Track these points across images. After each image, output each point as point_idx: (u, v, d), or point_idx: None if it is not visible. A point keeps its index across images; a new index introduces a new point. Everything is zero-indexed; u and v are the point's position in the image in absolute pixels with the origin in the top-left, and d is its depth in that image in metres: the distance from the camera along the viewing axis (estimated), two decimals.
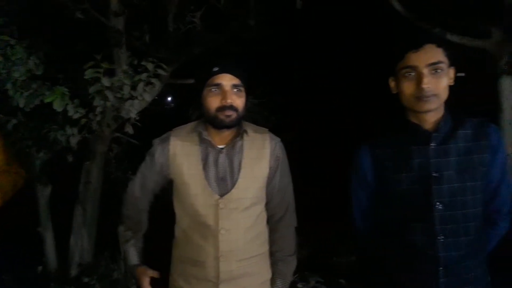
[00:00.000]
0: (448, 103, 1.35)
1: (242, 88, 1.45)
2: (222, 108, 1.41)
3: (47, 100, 2.71)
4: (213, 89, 1.42)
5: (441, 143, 1.31)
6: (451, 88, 1.32)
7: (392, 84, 1.36)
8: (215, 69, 1.42)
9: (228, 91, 1.41)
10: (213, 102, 1.42)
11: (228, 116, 1.41)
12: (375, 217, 1.48)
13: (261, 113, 4.41)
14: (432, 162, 1.29)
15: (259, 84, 4.18)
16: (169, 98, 9.40)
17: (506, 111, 3.86)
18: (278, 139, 1.56)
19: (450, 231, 1.28)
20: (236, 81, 1.43)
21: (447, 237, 1.28)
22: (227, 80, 1.41)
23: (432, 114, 1.30)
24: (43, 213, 3.39)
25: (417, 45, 1.25)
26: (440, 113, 1.33)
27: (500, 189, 1.37)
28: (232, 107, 1.41)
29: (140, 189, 1.58)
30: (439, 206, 1.28)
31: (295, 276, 3.00)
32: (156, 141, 1.55)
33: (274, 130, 1.60)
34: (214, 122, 1.44)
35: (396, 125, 1.40)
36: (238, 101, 1.44)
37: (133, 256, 1.58)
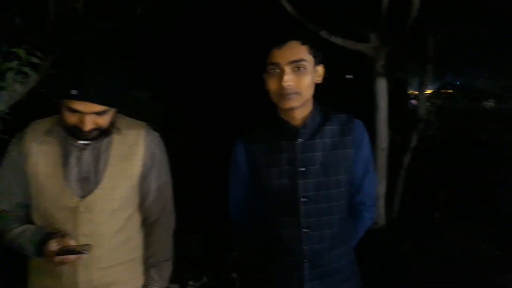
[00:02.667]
0: (319, 100, 1.39)
1: (107, 111, 1.27)
2: (80, 130, 1.25)
3: None
4: (71, 112, 1.23)
5: (308, 139, 1.33)
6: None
7: (265, 80, 1.36)
8: (73, 92, 1.17)
9: (87, 119, 1.23)
10: (71, 121, 1.25)
11: (89, 134, 1.27)
12: (251, 211, 1.49)
13: (153, 107, 4.23)
14: (299, 157, 1.31)
15: (150, 78, 4.01)
16: None
17: (381, 110, 4.22)
18: (156, 135, 1.45)
19: (315, 224, 1.31)
20: (99, 108, 1.23)
21: (312, 230, 1.31)
22: (88, 108, 1.21)
23: (298, 111, 1.32)
24: None
25: (280, 42, 1.25)
26: (308, 109, 1.35)
27: (364, 182, 1.42)
28: (94, 130, 1.26)
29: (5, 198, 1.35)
30: (304, 200, 1.31)
31: (187, 274, 2.95)
32: (16, 136, 1.36)
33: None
34: (74, 136, 1.29)
35: (268, 120, 1.41)
36: (102, 121, 1.27)
37: (33, 235, 1.28)
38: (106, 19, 3.53)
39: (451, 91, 6.38)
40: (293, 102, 1.27)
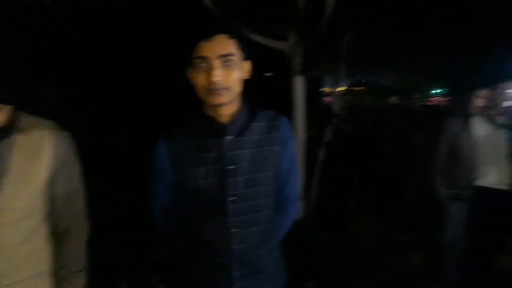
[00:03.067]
0: (246, 96, 1.37)
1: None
2: None
3: None
4: None
5: (237, 136, 1.30)
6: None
7: (189, 75, 1.29)
8: None
9: None
10: None
11: None
12: (176, 214, 1.43)
13: (63, 105, 3.91)
14: (227, 155, 1.28)
15: (62, 74, 3.69)
16: None
17: (299, 106, 4.38)
18: (66, 134, 1.28)
19: (243, 223, 1.29)
20: None
21: (240, 229, 1.29)
22: None
23: (226, 107, 1.29)
24: None
25: (208, 35, 1.21)
26: (235, 106, 1.32)
27: (289, 178, 1.43)
28: None
29: None
30: (232, 198, 1.28)
31: (104, 282, 2.79)
32: None
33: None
34: None
35: (194, 118, 1.36)
36: None
37: None
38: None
39: (362, 88, 6.86)
40: (223, 98, 1.23)
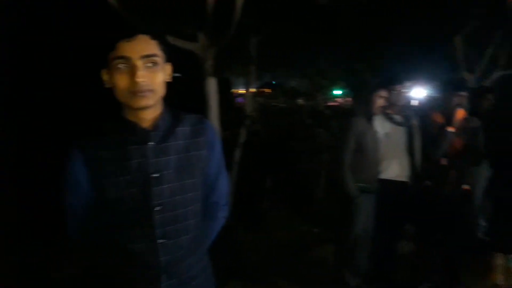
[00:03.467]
0: (167, 100, 1.32)
1: None
2: None
3: None
4: None
5: (160, 142, 1.23)
6: (171, 85, 1.28)
7: (105, 77, 1.21)
8: None
9: None
10: None
11: None
12: (95, 228, 1.31)
13: None
14: (151, 162, 1.21)
15: None
16: None
17: (212, 108, 4.35)
18: None
19: (171, 233, 1.23)
20: None
21: (168, 239, 1.23)
22: None
23: (149, 111, 1.22)
24: None
25: (130, 34, 1.14)
26: (158, 110, 1.25)
27: (217, 183, 1.39)
28: None
29: None
30: (158, 208, 1.21)
31: None
32: None
33: None
34: None
35: (111, 123, 1.26)
36: None
37: None
38: None
39: (269, 90, 7.07)
40: (148, 100, 1.17)
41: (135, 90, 1.14)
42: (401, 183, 3.00)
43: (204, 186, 1.34)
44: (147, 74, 1.15)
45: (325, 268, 3.32)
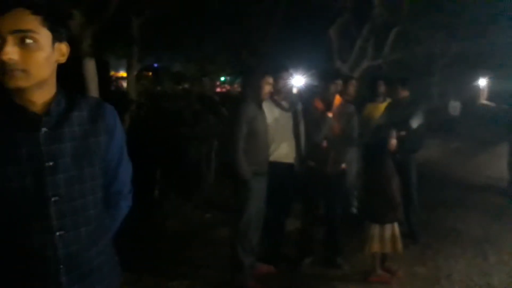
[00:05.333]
0: (61, 82, 1.18)
1: None
2: None
3: None
4: None
5: (54, 128, 1.13)
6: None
7: None
8: None
9: None
10: None
11: None
12: None
13: None
14: (44, 150, 1.11)
15: None
16: None
17: (92, 92, 4.03)
18: None
19: (70, 224, 1.16)
20: None
21: (67, 231, 1.15)
22: None
23: (38, 93, 1.10)
24: None
25: (3, 8, 1.02)
26: (50, 93, 1.14)
27: (119, 170, 1.33)
28: None
29: None
30: (55, 199, 1.13)
31: None
32: None
33: None
34: None
35: None
36: None
37: None
38: None
39: (157, 73, 6.78)
40: (19, 81, 1.05)
41: (4, 69, 1.03)
42: (289, 164, 3.20)
43: (105, 175, 1.27)
44: (19, 52, 1.03)
45: (220, 251, 3.38)
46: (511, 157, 5.93)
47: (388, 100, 4.16)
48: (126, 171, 1.37)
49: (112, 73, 9.81)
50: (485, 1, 8.15)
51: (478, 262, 3.45)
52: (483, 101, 8.21)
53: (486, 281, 3.11)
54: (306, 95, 4.92)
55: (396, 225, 3.09)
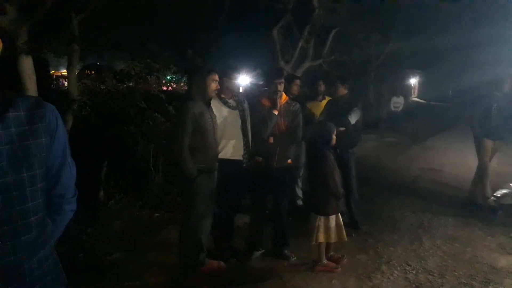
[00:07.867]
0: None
1: None
2: None
3: None
4: None
5: None
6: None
7: None
8: None
9: None
10: None
11: None
12: None
13: None
14: None
15: None
16: None
17: (30, 91, 3.83)
18: None
19: (8, 233, 1.08)
20: None
21: (4, 242, 1.07)
22: None
23: None
24: None
25: None
26: None
27: (62, 173, 1.26)
28: None
29: None
30: None
31: None
32: None
33: None
34: None
35: None
36: None
37: None
38: None
39: (99, 71, 6.54)
40: None
41: None
42: (237, 161, 3.28)
43: (47, 178, 1.21)
44: None
45: (170, 250, 3.39)
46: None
47: (327, 98, 4.43)
48: (69, 174, 1.30)
49: (52, 72, 9.32)
50: (416, 6, 8.81)
51: (414, 248, 3.72)
52: (414, 98, 8.82)
53: (422, 265, 3.36)
54: (252, 93, 5.03)
55: (339, 215, 3.28)
